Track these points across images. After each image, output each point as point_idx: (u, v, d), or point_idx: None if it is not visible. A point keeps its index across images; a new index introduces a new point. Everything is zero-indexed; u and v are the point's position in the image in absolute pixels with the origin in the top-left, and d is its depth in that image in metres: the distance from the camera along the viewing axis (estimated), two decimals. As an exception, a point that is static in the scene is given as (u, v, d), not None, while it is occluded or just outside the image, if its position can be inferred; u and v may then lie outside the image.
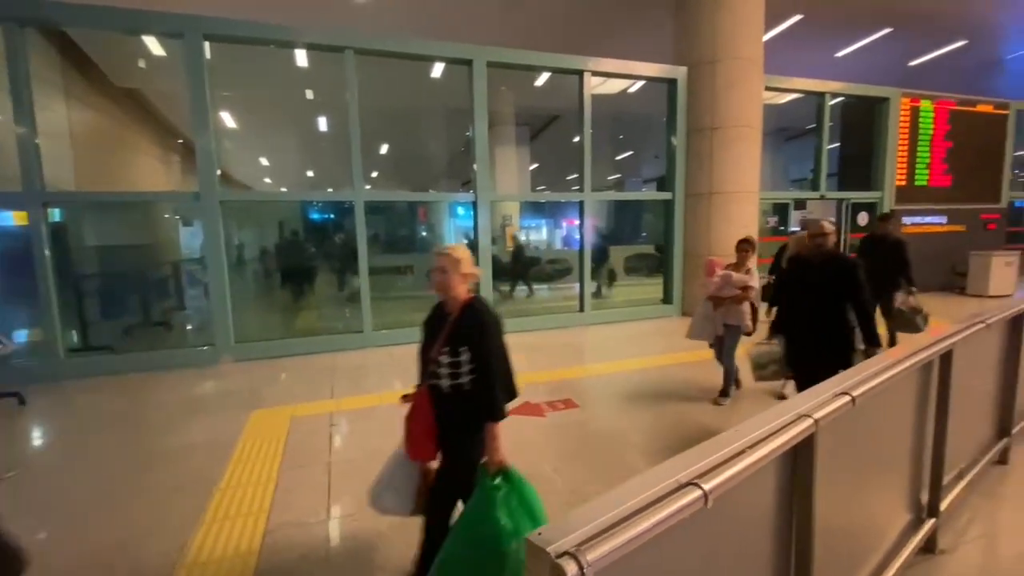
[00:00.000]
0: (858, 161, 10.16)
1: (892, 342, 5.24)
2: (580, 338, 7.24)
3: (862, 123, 10.01)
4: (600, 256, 10.48)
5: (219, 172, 6.17)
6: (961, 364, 2.36)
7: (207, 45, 5.86)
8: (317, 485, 3.14)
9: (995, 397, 3.14)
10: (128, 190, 9.32)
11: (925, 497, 2.37)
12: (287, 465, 3.41)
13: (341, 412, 4.38)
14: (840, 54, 11.49)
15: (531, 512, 1.89)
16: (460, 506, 2.05)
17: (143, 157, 11.64)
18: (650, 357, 5.97)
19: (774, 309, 3.51)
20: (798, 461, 1.45)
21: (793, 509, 1.47)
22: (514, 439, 3.68)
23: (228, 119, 12.39)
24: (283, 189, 22.52)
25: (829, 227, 3.08)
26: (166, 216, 10.16)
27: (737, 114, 7.68)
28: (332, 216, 11.41)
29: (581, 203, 8.02)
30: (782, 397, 4.34)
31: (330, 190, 19.92)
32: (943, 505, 2.42)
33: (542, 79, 9.21)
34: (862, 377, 1.71)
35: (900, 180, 9.81)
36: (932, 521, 2.34)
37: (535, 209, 22.47)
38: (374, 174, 19.81)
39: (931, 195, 10.13)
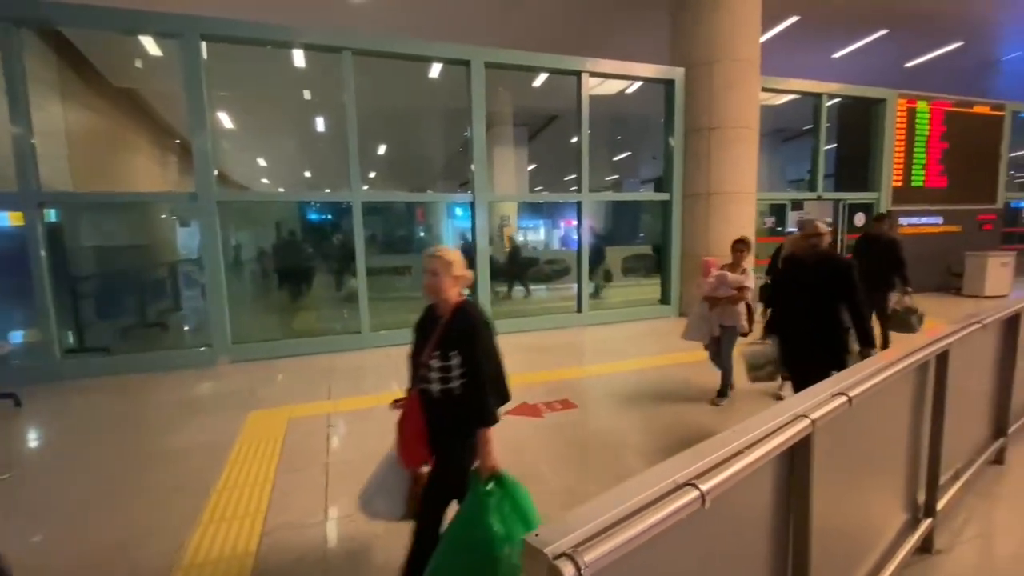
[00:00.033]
0: (855, 162, 10.20)
1: (885, 343, 5.26)
2: (578, 338, 7.24)
3: (859, 124, 10.04)
4: (596, 256, 10.49)
5: (216, 172, 6.15)
6: (957, 364, 2.37)
7: (204, 45, 5.84)
8: (314, 486, 3.13)
9: (991, 397, 3.15)
10: (125, 190, 9.29)
11: (922, 497, 2.38)
12: (284, 467, 3.40)
13: (339, 413, 4.38)
14: (837, 55, 11.53)
15: (524, 517, 1.87)
16: (452, 511, 2.03)
17: (140, 157, 11.60)
18: (648, 357, 5.98)
19: (769, 310, 3.52)
20: (795, 462, 1.45)
21: (790, 509, 1.47)
22: (512, 440, 3.69)
23: (225, 119, 12.37)
24: (280, 189, 22.49)
25: (823, 227, 3.09)
26: (163, 217, 10.14)
27: (735, 115, 7.70)
28: (330, 217, 11.39)
29: (579, 204, 8.03)
30: (779, 398, 4.35)
31: (328, 191, 19.86)
32: (939, 505, 2.43)
33: (540, 80, 9.21)
34: (859, 377, 1.71)
35: (896, 181, 9.85)
36: (929, 521, 2.35)
37: (533, 210, 22.50)
38: (372, 175, 19.79)
39: (927, 196, 10.16)
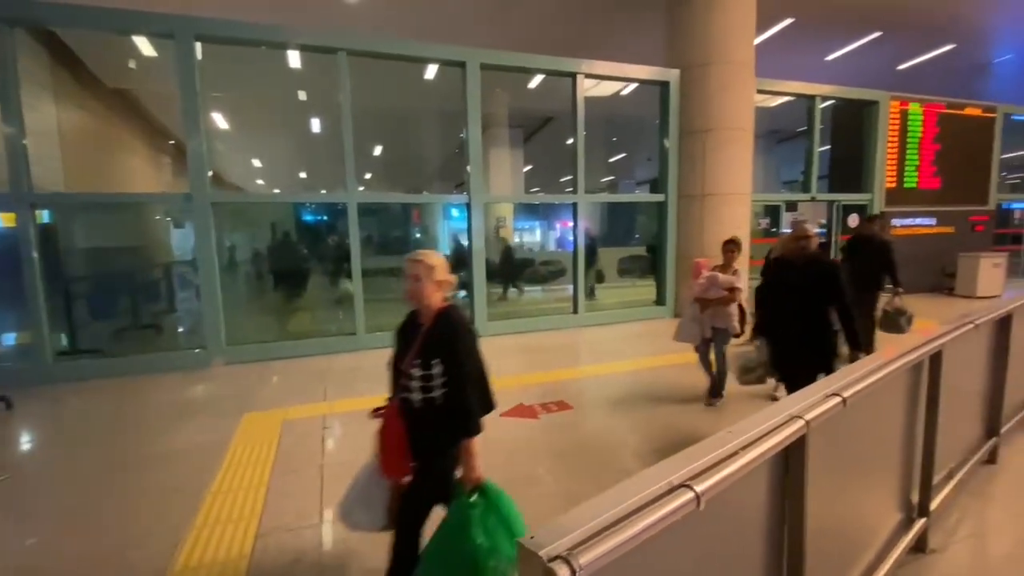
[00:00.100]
0: (848, 163, 10.26)
1: (870, 345, 5.23)
2: (574, 339, 7.25)
3: (852, 126, 10.11)
4: (588, 257, 10.49)
5: (211, 173, 6.12)
6: (950, 365, 2.38)
7: (198, 46, 5.81)
8: (310, 489, 3.11)
9: (984, 397, 3.17)
10: (118, 191, 9.24)
11: (915, 497, 2.39)
12: (279, 469, 3.39)
13: (334, 415, 4.37)
14: (830, 57, 11.60)
15: (509, 529, 1.84)
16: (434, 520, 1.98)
17: (134, 158, 11.54)
18: (643, 359, 5.99)
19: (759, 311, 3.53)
20: (790, 462, 1.45)
21: (785, 510, 1.47)
22: (507, 441, 3.69)
23: (220, 120, 12.31)
24: (276, 191, 22.41)
25: (812, 230, 3.10)
26: (157, 218, 10.08)
27: (729, 117, 7.73)
28: (325, 218, 11.35)
29: (574, 205, 8.04)
30: (774, 398, 4.36)
31: (323, 192, 19.88)
32: (933, 505, 2.44)
33: (536, 81, 9.23)
34: (853, 378, 1.72)
35: (890, 182, 9.92)
36: (923, 521, 2.36)
37: (529, 211, 22.52)
38: (367, 176, 19.76)
39: (920, 197, 10.24)
